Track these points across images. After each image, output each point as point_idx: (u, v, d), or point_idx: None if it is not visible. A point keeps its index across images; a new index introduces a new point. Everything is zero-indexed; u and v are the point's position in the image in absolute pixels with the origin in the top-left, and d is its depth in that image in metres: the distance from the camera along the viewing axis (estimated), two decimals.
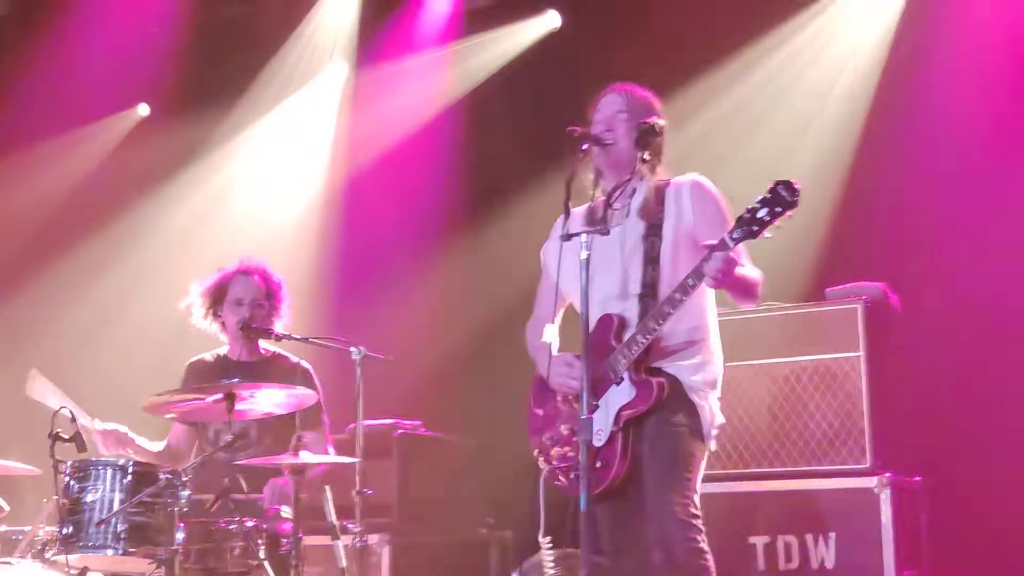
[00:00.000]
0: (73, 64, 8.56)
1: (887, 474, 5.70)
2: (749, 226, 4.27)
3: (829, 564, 5.75)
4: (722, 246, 4.32)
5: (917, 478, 5.94)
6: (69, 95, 8.69)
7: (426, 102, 8.32)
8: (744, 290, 4.54)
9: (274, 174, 8.78)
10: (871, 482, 5.70)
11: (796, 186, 4.24)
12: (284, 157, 8.84)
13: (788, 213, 4.24)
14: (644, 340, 4.50)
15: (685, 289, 4.43)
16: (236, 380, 5.07)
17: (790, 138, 6.94)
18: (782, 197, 4.23)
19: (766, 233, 4.27)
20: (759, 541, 5.89)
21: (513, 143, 7.88)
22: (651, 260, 4.61)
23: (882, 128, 6.76)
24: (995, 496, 6.15)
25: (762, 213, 4.25)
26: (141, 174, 8.80)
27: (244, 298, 5.87)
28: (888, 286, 6.08)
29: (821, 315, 5.99)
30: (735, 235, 4.30)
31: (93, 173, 8.88)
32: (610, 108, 4.77)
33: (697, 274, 4.39)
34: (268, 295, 5.91)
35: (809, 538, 5.80)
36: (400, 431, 6.87)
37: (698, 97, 6.99)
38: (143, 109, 9.10)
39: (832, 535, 5.75)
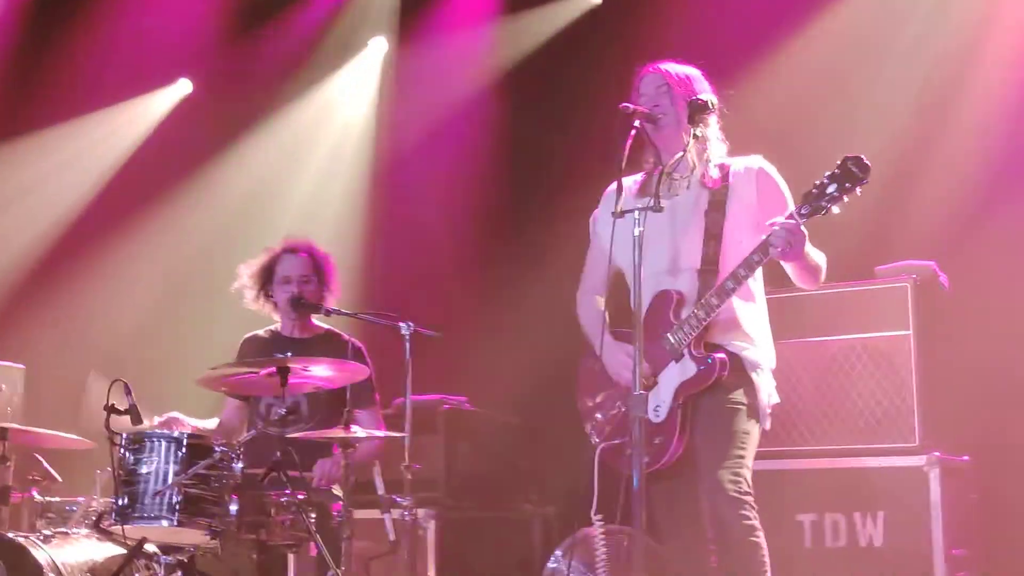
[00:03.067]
0: (117, 38, 8.59)
1: (936, 453, 5.70)
2: (817, 201, 4.26)
3: (877, 542, 5.75)
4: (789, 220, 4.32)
5: (966, 457, 5.92)
6: (111, 69, 8.71)
7: (468, 79, 8.31)
8: (810, 269, 4.52)
9: (318, 152, 8.79)
10: (920, 460, 5.70)
11: (866, 162, 4.23)
12: (327, 134, 8.85)
13: (857, 189, 4.23)
14: (705, 316, 4.49)
15: (750, 265, 4.43)
16: (289, 354, 5.10)
17: (840, 114, 6.89)
18: (852, 172, 4.22)
19: (834, 209, 4.27)
20: (806, 518, 5.91)
21: (554, 121, 7.85)
22: (712, 236, 4.58)
23: (935, 102, 6.71)
24: None
25: (831, 189, 4.24)
26: (185, 151, 8.84)
27: (292, 275, 5.91)
28: (938, 265, 6.06)
29: (871, 293, 5.99)
30: (803, 211, 4.30)
31: (137, 150, 8.92)
32: (651, 86, 4.75)
33: (763, 249, 4.38)
34: (316, 270, 5.95)
35: (857, 516, 5.81)
36: (447, 406, 6.91)
37: (747, 74, 6.93)
38: (185, 85, 9.11)
39: (880, 514, 5.76)
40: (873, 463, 5.82)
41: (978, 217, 6.43)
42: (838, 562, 5.81)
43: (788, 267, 4.55)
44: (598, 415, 4.78)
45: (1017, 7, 6.60)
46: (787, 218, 4.32)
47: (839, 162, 4.26)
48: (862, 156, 4.24)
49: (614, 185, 4.68)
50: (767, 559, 4.45)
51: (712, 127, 4.74)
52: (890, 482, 5.75)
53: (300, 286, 5.88)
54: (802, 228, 4.32)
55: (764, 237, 4.38)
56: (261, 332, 6.07)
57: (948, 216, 6.48)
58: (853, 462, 5.86)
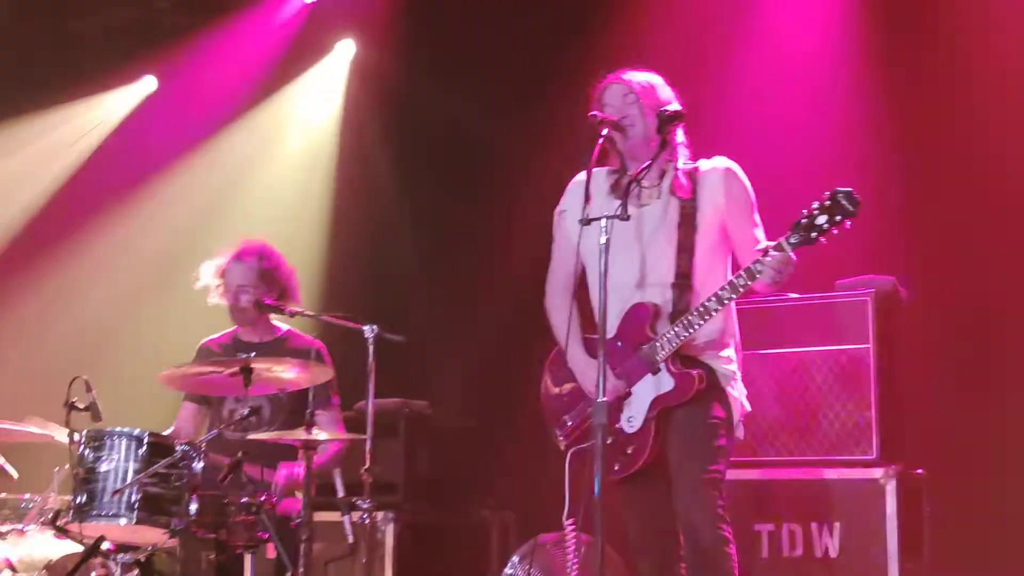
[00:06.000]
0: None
1: (893, 466, 5.74)
2: (807, 232, 4.25)
3: (833, 553, 5.78)
4: (779, 250, 4.29)
5: (920, 471, 5.97)
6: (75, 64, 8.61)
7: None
8: (778, 286, 4.48)
9: (283, 153, 8.75)
10: (877, 473, 5.74)
11: (857, 196, 4.22)
12: (293, 136, 8.81)
13: (847, 223, 4.23)
14: (687, 334, 4.47)
15: (735, 288, 4.41)
16: (253, 354, 5.08)
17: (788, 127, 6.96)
18: (843, 206, 4.21)
19: (822, 240, 4.26)
20: (764, 528, 5.93)
21: (510, 121, 7.81)
22: (685, 249, 4.57)
23: (899, 123, 6.77)
24: (998, 490, 6.18)
25: (821, 220, 4.22)
26: (148, 150, 8.77)
27: (232, 283, 5.86)
28: (898, 279, 6.11)
29: (831, 306, 6.01)
30: (792, 240, 4.27)
31: (99, 147, 8.85)
32: (617, 96, 4.69)
33: (749, 274, 4.37)
34: (263, 276, 5.87)
35: (814, 527, 5.83)
36: (408, 411, 6.90)
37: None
38: (150, 82, 9.03)
39: (837, 525, 5.79)
40: (831, 474, 5.84)
41: (939, 232, 6.49)
42: (794, 572, 5.83)
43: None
44: (567, 418, 4.74)
45: None
46: (775, 246, 4.29)
47: (828, 193, 4.24)
48: (852, 190, 4.23)
49: (579, 176, 4.68)
50: (734, 571, 4.47)
51: (679, 136, 4.75)
52: (847, 494, 5.77)
53: (238, 296, 5.84)
54: (792, 259, 4.30)
55: (752, 264, 4.36)
56: (220, 335, 6.03)
57: (909, 231, 6.52)
58: (811, 473, 5.89)
